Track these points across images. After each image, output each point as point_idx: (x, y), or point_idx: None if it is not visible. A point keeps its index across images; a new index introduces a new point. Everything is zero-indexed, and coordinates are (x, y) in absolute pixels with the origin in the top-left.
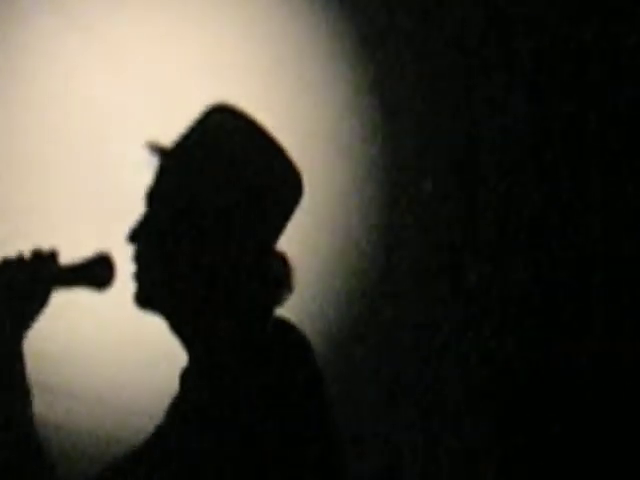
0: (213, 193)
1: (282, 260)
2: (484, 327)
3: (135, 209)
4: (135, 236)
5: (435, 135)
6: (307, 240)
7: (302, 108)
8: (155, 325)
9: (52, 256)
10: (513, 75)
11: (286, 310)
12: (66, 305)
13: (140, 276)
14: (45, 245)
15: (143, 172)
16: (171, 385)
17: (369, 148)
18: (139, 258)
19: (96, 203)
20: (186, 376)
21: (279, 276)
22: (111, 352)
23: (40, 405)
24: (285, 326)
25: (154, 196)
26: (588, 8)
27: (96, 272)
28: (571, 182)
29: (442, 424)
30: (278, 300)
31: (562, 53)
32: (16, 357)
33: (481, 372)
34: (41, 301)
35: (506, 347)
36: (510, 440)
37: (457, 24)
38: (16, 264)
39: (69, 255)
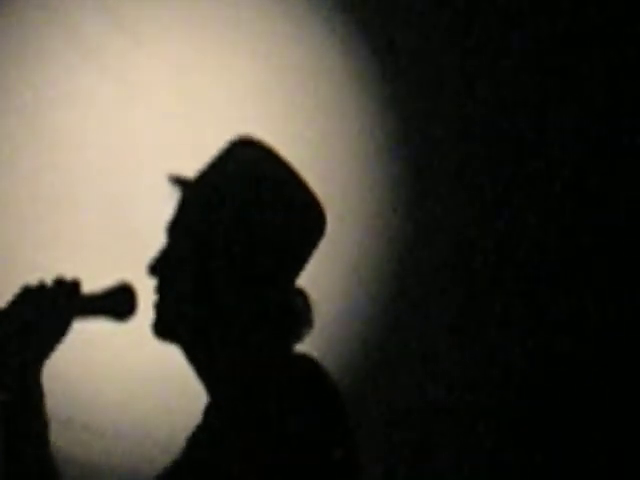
0: (235, 227)
1: (302, 296)
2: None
3: (157, 240)
4: (156, 267)
5: (455, 157)
6: (324, 276)
7: (321, 133)
8: (175, 357)
9: (74, 285)
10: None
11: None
12: (86, 335)
13: (159, 307)
14: (67, 274)
15: (165, 204)
16: (189, 418)
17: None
18: (159, 289)
19: (118, 234)
20: (208, 411)
21: (299, 312)
22: (129, 384)
23: (57, 437)
24: (307, 361)
25: (175, 228)
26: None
27: (118, 302)
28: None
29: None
30: (298, 336)
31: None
32: (34, 387)
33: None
34: (62, 330)
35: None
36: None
37: (475, 33)
38: (38, 292)
39: (90, 285)
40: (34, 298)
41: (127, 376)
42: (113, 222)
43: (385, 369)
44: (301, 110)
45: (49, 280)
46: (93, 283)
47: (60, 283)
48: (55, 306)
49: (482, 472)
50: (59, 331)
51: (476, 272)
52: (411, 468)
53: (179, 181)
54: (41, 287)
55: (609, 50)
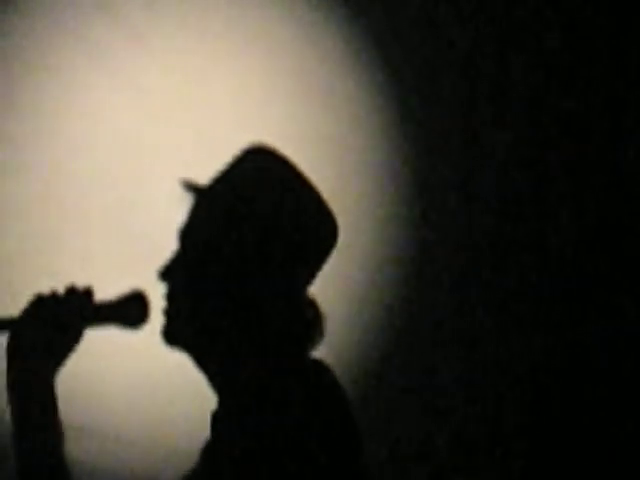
0: (246, 234)
1: (313, 305)
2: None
3: (166, 246)
4: (166, 273)
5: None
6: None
7: (331, 140)
8: (184, 363)
9: (86, 293)
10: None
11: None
12: (99, 342)
13: (170, 313)
14: (78, 281)
15: (176, 210)
16: (199, 424)
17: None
18: (170, 295)
19: (127, 239)
20: (216, 419)
21: (310, 321)
22: (140, 391)
23: (71, 444)
24: (319, 370)
25: (187, 234)
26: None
27: (130, 310)
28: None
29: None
30: (310, 345)
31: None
32: (48, 395)
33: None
34: (74, 339)
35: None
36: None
37: (477, 29)
38: (50, 300)
39: (100, 290)
40: (47, 307)
41: (137, 382)
42: (123, 228)
43: (394, 376)
44: (310, 117)
45: (61, 289)
46: (103, 288)
47: (72, 292)
48: (68, 315)
49: None
50: (72, 340)
51: (486, 279)
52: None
53: (192, 187)
54: (54, 296)
55: (610, 50)
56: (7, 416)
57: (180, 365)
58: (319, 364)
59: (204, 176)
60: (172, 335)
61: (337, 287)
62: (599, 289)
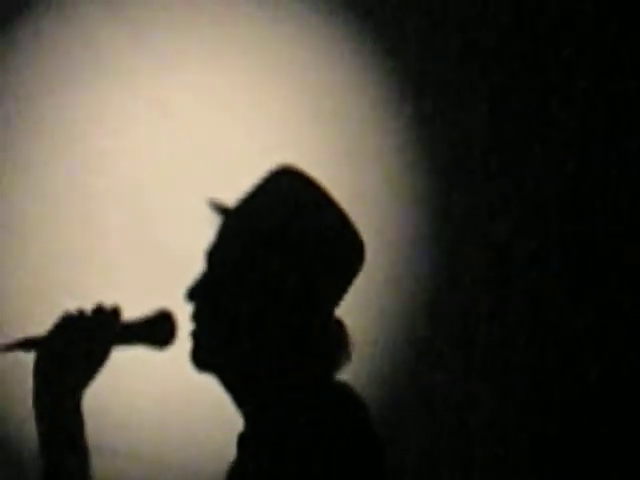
0: (274, 256)
1: (339, 327)
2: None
3: (189, 262)
4: (194, 294)
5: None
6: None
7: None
8: (209, 383)
9: (114, 312)
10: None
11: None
12: (126, 363)
13: (197, 335)
14: (104, 300)
15: (199, 225)
16: (228, 448)
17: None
18: (197, 317)
19: (157, 260)
20: (243, 440)
21: (337, 343)
22: (171, 412)
23: (98, 466)
24: (344, 391)
25: (214, 255)
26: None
27: (158, 330)
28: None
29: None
30: (336, 367)
31: None
32: (75, 416)
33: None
34: (101, 358)
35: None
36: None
37: (491, 32)
38: (77, 320)
39: (124, 307)
40: (74, 326)
41: (171, 403)
42: (145, 243)
43: (417, 395)
44: (328, 129)
45: (89, 308)
46: (126, 305)
47: (100, 310)
48: (95, 335)
49: None
50: (99, 360)
51: (510, 286)
52: None
53: (220, 208)
54: (81, 315)
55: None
56: (32, 433)
57: (203, 383)
58: (345, 387)
59: (226, 189)
60: (203, 359)
61: (358, 305)
62: (608, 293)
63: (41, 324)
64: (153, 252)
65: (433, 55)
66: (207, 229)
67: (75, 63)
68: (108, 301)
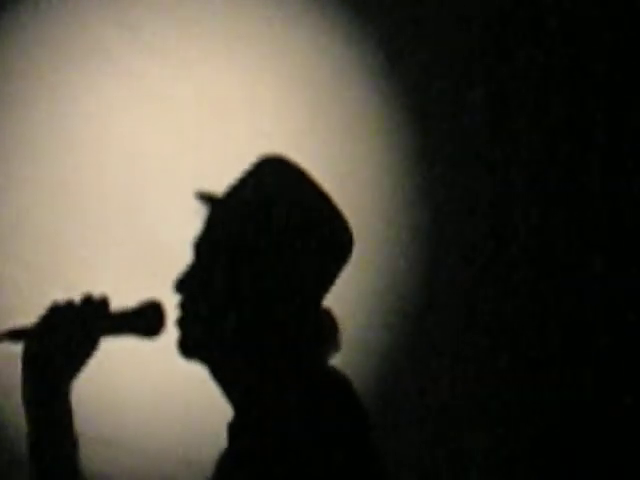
0: (261, 245)
1: (328, 316)
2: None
3: (181, 255)
4: (182, 285)
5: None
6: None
7: (347, 155)
8: (199, 373)
9: (103, 303)
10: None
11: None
12: (114, 352)
13: (184, 325)
14: (94, 290)
15: (191, 219)
16: (219, 437)
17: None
18: (185, 306)
19: (145, 251)
20: (232, 429)
21: (326, 331)
22: (161, 401)
23: (88, 455)
24: (337, 379)
25: (202, 245)
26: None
27: (147, 320)
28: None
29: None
30: (326, 354)
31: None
32: (64, 406)
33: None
34: (91, 348)
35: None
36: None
37: (493, 31)
38: (66, 309)
39: (115, 299)
40: (63, 316)
41: (152, 392)
42: (134, 234)
43: (409, 384)
44: (324, 125)
45: (77, 298)
46: (118, 297)
47: (89, 301)
48: (84, 324)
49: None
50: (88, 349)
51: (509, 283)
52: None
53: (207, 198)
54: (70, 305)
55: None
56: (22, 423)
57: (194, 375)
58: (336, 373)
59: (221, 185)
60: (189, 347)
61: (348, 295)
62: (609, 292)
63: (30, 315)
64: (142, 242)
65: (433, 55)
66: (196, 220)
67: (75, 62)
68: (97, 291)
